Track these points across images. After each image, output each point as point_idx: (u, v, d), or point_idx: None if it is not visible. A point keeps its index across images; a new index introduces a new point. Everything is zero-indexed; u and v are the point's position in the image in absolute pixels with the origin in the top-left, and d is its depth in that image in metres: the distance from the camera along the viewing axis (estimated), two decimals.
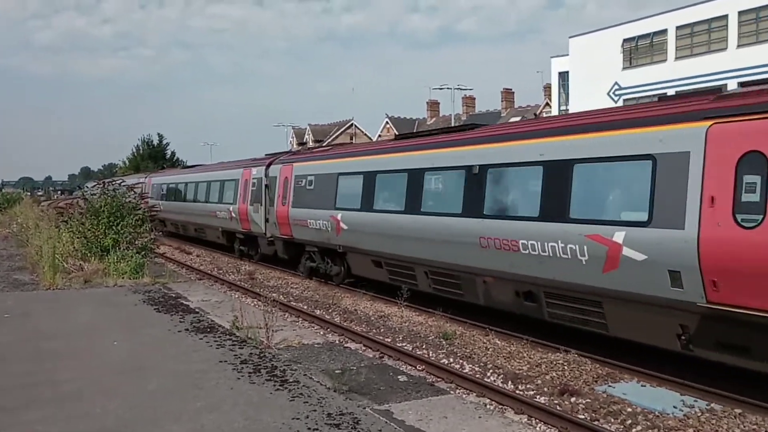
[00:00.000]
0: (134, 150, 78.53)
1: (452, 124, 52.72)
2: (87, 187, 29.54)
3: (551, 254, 10.30)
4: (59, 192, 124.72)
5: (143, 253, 18.88)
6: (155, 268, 18.95)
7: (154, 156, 74.32)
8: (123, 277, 17.04)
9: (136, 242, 19.20)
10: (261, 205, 21.95)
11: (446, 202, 13.10)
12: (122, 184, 21.44)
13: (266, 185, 21.76)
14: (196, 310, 13.33)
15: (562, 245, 10.08)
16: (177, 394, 7.82)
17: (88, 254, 18.59)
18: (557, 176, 10.48)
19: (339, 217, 16.73)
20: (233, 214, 24.51)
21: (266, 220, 21.60)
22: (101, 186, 20.59)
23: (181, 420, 6.94)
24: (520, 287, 11.36)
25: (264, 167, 22.21)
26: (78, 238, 19.28)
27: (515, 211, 11.35)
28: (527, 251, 10.77)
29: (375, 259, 15.69)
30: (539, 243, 10.51)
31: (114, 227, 18.68)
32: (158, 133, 79.88)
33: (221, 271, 22.15)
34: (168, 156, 76.39)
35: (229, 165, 28.07)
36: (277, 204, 20.45)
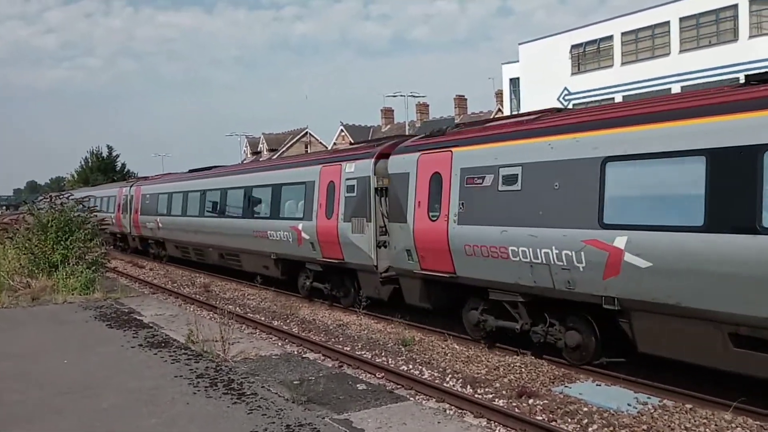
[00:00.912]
0: (83, 162, 77.03)
1: (406, 132, 52.91)
2: (35, 201, 28.37)
3: None
4: (4, 207, 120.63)
5: (94, 268, 18.44)
6: (107, 283, 18.54)
7: (103, 168, 72.93)
8: (73, 294, 16.62)
9: (87, 257, 18.74)
10: (368, 221, 14.44)
11: None
12: (70, 197, 20.92)
13: (378, 189, 14.47)
14: (150, 324, 13.07)
15: None
16: (131, 411, 7.66)
17: (36, 271, 18.08)
18: None
19: (621, 243, 8.78)
20: (304, 235, 16.49)
21: (377, 245, 14.34)
22: (48, 200, 20.07)
23: None
24: None
25: (371, 160, 14.57)
26: (24, 254, 18.74)
27: None
28: None
29: None
30: None
31: (63, 242, 18.20)
32: (107, 145, 78.59)
33: (176, 285, 21.78)
34: (118, 168, 75.06)
35: (289, 161, 19.91)
36: (415, 218, 12.74)
